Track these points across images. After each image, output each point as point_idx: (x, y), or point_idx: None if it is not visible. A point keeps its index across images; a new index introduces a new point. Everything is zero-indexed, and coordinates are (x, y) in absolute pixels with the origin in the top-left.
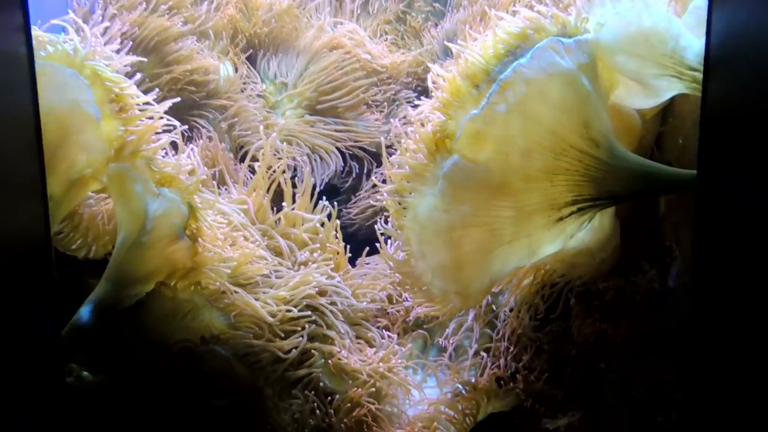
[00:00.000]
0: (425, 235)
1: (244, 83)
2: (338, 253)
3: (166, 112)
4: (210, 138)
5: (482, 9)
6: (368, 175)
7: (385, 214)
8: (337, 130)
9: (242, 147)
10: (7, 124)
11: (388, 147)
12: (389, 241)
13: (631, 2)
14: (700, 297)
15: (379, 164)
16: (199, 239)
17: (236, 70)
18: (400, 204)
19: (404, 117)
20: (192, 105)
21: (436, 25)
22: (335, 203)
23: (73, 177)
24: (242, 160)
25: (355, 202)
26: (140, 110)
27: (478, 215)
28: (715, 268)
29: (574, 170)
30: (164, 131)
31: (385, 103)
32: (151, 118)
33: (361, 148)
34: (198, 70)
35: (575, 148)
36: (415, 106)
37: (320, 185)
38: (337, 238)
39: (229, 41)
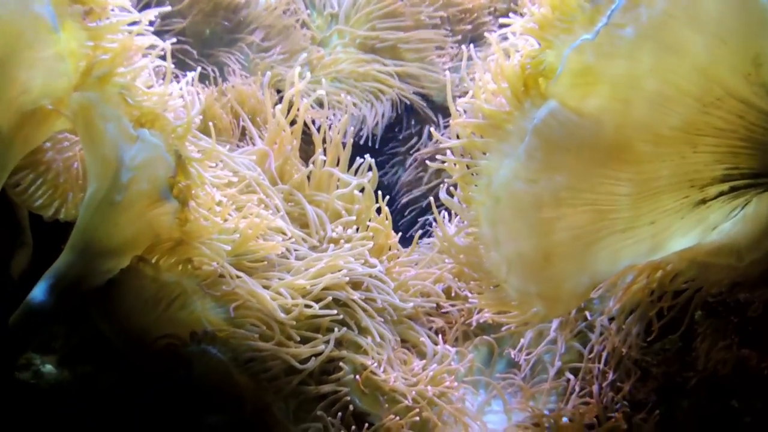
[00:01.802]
0: (501, 213)
1: (286, 11)
2: (381, 232)
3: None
4: (242, 76)
5: None
6: (430, 133)
7: (446, 180)
8: (396, 74)
9: (280, 91)
10: None
11: (458, 98)
12: (450, 217)
13: None
14: None
15: (447, 119)
16: (191, 202)
17: None
18: (468, 168)
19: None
20: (222, 36)
21: None
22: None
23: (27, 108)
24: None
25: (411, 166)
26: (116, 20)
27: (579, 189)
28: None
29: (731, 131)
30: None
31: (461, 45)
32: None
33: (424, 98)
34: None
35: (735, 97)
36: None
37: (367, 139)
38: (380, 212)
39: None
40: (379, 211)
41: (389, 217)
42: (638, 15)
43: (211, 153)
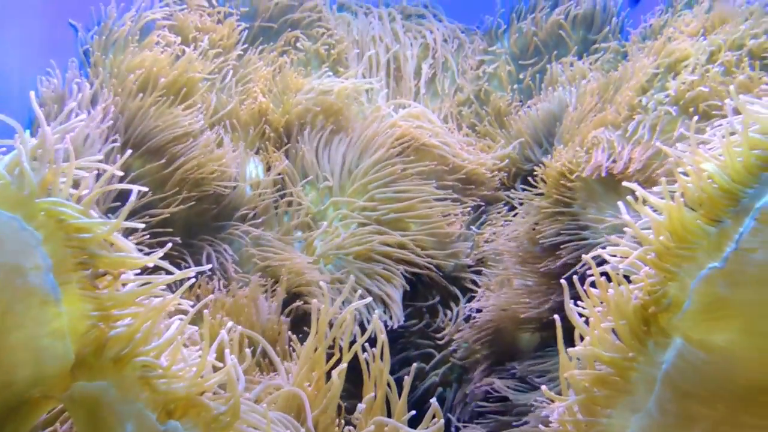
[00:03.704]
0: None
1: (278, 189)
2: None
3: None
4: (238, 282)
5: (627, 75)
6: (443, 306)
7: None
8: (403, 246)
9: (290, 294)
10: None
11: (469, 267)
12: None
13: None
14: None
15: (464, 293)
16: None
17: (267, 169)
18: (585, 429)
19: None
20: (208, 222)
21: (522, 102)
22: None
23: (8, 404)
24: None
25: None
26: (138, 284)
27: None
28: None
29: None
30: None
31: (468, 211)
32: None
33: (437, 267)
34: (215, 173)
35: None
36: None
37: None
38: None
39: (258, 135)
40: None
41: None
42: None
43: None
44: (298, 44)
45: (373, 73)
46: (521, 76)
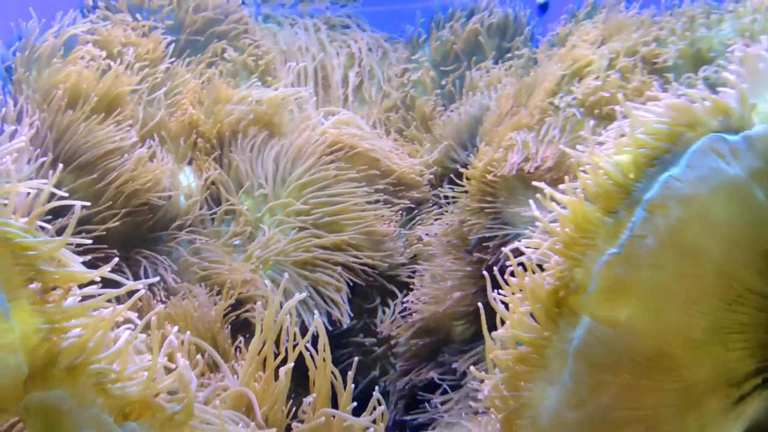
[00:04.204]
0: None
1: (213, 197)
2: None
3: None
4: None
5: (537, 82)
6: (382, 304)
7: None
8: (338, 247)
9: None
10: None
11: (404, 266)
12: None
13: None
14: None
15: (401, 289)
16: None
17: (200, 179)
18: (510, 402)
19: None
20: (145, 234)
21: (445, 106)
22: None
23: None
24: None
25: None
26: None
27: (627, 407)
28: None
29: (755, 324)
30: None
31: (400, 213)
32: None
33: (372, 267)
34: (148, 183)
35: (754, 292)
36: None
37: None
38: None
39: (189, 146)
40: None
41: None
42: (657, 225)
43: None
44: (225, 55)
45: (302, 82)
46: (443, 82)
